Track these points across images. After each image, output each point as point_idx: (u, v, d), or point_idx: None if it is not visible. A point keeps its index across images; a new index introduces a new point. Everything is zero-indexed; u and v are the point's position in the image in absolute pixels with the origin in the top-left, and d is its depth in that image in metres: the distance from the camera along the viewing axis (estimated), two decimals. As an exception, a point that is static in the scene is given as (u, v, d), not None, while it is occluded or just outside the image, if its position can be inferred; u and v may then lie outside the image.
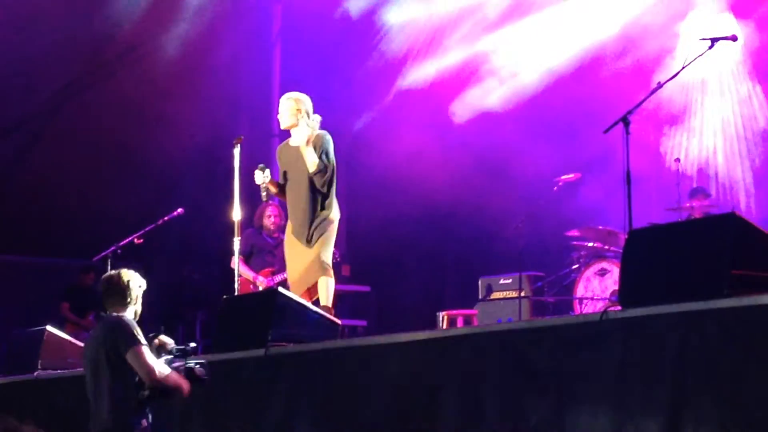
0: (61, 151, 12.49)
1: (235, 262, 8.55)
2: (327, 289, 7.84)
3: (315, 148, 7.95)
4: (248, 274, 9.97)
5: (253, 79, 13.51)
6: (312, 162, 7.91)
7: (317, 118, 8.16)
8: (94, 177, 12.66)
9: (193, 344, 5.77)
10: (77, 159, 12.53)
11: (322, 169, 7.92)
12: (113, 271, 5.67)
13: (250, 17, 13.30)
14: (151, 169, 12.81)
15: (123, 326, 5.46)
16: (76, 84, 12.76)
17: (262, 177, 8.08)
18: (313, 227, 7.94)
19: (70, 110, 12.67)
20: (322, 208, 7.97)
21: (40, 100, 12.58)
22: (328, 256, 7.94)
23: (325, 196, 7.98)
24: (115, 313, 5.56)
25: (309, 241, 7.94)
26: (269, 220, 10.23)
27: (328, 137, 8.05)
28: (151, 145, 12.85)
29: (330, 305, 7.80)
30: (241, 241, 9.67)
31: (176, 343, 5.67)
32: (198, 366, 5.63)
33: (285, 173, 8.17)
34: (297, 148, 8.02)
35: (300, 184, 8.02)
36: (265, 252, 10.22)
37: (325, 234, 7.94)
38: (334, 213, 8.02)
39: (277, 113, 8.27)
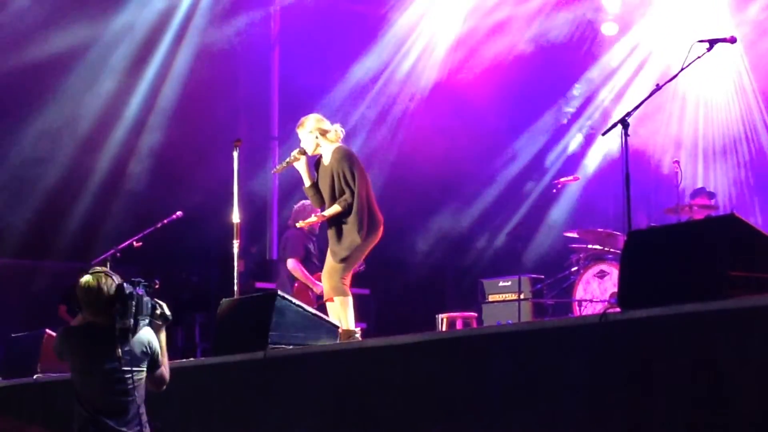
0: (59, 154, 12.49)
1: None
2: (345, 310, 7.82)
3: (334, 170, 7.91)
4: (307, 279, 9.86)
5: (252, 81, 13.51)
6: (335, 212, 7.89)
7: (337, 128, 8.11)
8: (93, 180, 12.67)
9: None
10: (75, 162, 12.53)
11: (346, 207, 7.85)
12: (88, 279, 5.40)
13: (249, 20, 13.29)
14: (150, 172, 12.81)
15: (155, 341, 5.47)
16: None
17: (294, 153, 8.05)
18: (338, 246, 7.90)
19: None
20: (350, 229, 7.87)
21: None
22: (346, 277, 7.91)
23: (352, 217, 7.87)
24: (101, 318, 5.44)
25: (336, 260, 7.92)
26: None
27: (347, 154, 7.97)
28: (150, 148, 12.85)
29: (350, 327, 7.77)
30: (294, 242, 9.63)
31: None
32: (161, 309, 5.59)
33: (317, 186, 8.14)
34: (325, 167, 8.02)
35: (328, 204, 8.02)
36: (312, 254, 10.10)
37: (349, 257, 7.88)
38: (362, 233, 7.85)
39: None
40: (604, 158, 12.97)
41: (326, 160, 8.05)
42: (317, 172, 8.15)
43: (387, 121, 13.60)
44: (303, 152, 8.07)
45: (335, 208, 7.88)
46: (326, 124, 8.08)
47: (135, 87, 12.78)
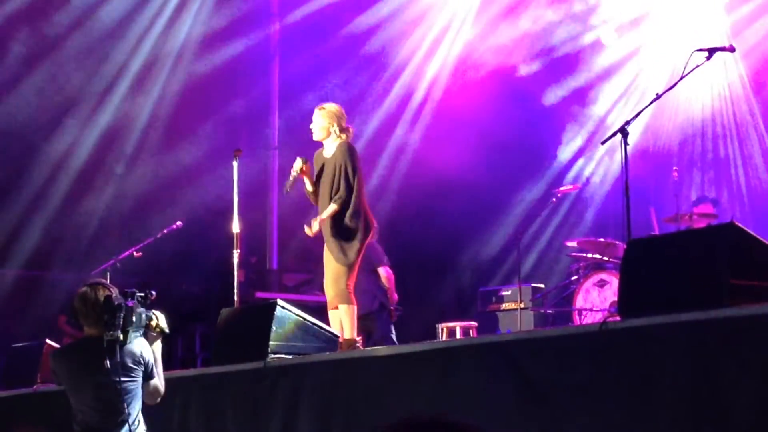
0: (59, 165, 12.51)
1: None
2: (349, 319, 7.66)
3: (336, 163, 7.83)
4: (391, 286, 9.84)
5: (252, 91, 13.52)
6: (332, 212, 7.77)
7: (350, 131, 8.02)
8: (93, 190, 12.68)
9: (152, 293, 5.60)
10: (75, 172, 12.55)
11: (342, 205, 7.76)
12: (83, 290, 5.41)
13: (249, 30, 13.32)
14: (150, 181, 12.82)
15: (148, 352, 5.45)
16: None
17: (299, 165, 7.92)
18: (338, 248, 7.77)
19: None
20: (347, 228, 7.77)
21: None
22: (350, 283, 7.76)
23: (349, 213, 7.77)
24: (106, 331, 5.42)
25: (337, 260, 7.80)
26: None
27: (352, 150, 7.88)
28: (151, 158, 12.87)
29: (353, 336, 7.64)
30: (376, 249, 9.56)
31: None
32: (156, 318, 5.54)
33: (316, 181, 8.00)
34: (328, 159, 7.91)
35: (324, 198, 7.89)
36: None
37: (349, 260, 7.74)
38: (359, 232, 7.76)
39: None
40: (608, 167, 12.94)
41: (328, 152, 7.93)
42: (317, 162, 8.02)
43: (388, 132, 13.60)
44: (305, 160, 8.00)
45: (332, 208, 7.75)
46: (345, 122, 8.01)
47: (137, 98, 12.80)
